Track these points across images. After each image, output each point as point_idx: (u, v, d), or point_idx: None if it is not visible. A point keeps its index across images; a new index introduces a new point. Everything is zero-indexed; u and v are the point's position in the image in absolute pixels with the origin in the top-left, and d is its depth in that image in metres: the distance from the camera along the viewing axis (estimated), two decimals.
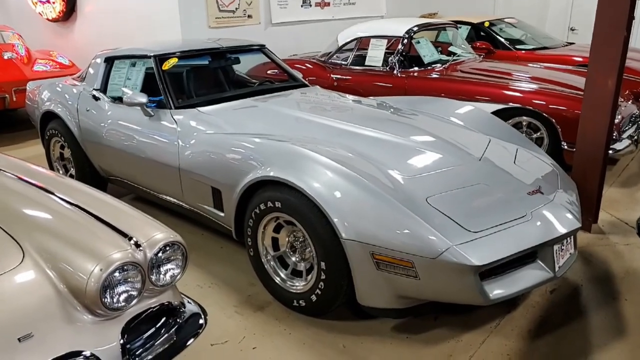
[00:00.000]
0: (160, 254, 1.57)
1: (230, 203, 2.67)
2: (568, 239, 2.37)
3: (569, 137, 3.98)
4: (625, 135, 4.21)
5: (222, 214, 2.82)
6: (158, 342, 1.59)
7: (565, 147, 4.02)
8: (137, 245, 1.53)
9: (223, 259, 3.02)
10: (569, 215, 2.32)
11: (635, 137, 4.26)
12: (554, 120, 4.04)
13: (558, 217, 2.28)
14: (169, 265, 1.60)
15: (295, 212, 2.32)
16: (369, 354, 2.19)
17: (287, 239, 2.53)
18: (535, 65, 5.29)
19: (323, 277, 2.27)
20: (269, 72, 5.30)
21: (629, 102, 4.57)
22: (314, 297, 2.34)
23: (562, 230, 2.23)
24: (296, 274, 2.52)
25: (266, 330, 2.37)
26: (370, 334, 2.32)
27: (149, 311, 1.62)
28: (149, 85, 3.38)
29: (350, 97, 3.67)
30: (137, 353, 1.50)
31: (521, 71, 4.84)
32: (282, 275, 2.53)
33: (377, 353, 2.19)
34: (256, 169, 2.50)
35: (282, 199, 2.35)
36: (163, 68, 3.28)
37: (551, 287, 2.63)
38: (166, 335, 1.63)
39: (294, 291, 2.45)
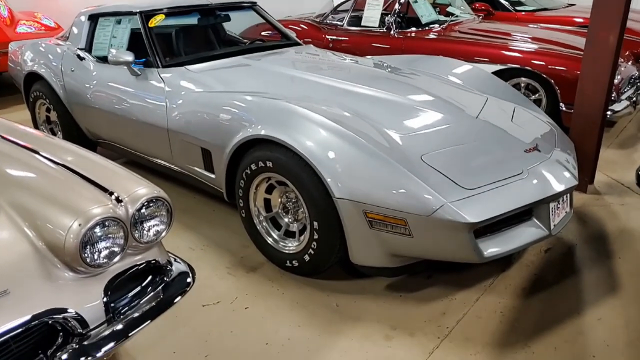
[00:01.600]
0: (143, 210, 1.51)
1: (220, 164, 2.61)
2: (564, 197, 2.33)
3: (568, 99, 3.90)
4: (624, 97, 4.13)
5: (212, 176, 2.76)
6: (144, 299, 1.56)
7: (564, 108, 3.94)
8: (119, 200, 1.47)
9: (215, 221, 2.98)
10: (566, 173, 2.27)
11: (634, 99, 4.18)
12: (552, 81, 3.96)
13: (555, 175, 2.23)
14: (152, 222, 1.55)
15: (287, 172, 2.26)
16: (362, 312, 2.18)
17: (279, 200, 2.48)
18: (535, 27, 5.16)
19: (316, 237, 2.23)
20: (262, 33, 5.16)
21: (629, 63, 4.47)
22: (307, 257, 2.31)
23: (559, 187, 2.18)
24: (289, 234, 2.48)
25: (259, 291, 2.35)
26: (364, 293, 2.30)
27: (134, 269, 1.58)
28: (136, 45, 3.26)
29: (347, 56, 3.57)
30: (122, 311, 1.47)
31: (520, 32, 4.72)
32: (275, 236, 2.49)
33: (371, 312, 2.18)
34: (247, 128, 2.43)
35: (274, 158, 2.29)
36: (150, 25, 3.16)
37: (546, 246, 2.61)
38: (152, 293, 1.59)
39: (287, 252, 2.42)
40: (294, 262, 2.38)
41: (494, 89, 3.06)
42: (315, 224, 2.21)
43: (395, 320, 2.12)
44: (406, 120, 2.44)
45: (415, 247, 2.07)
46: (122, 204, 1.48)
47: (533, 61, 4.05)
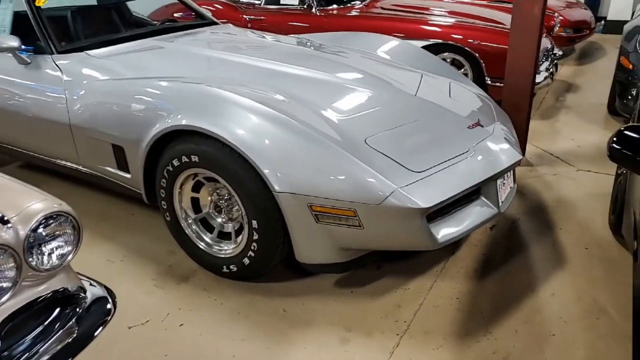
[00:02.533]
0: (40, 230, 1.19)
1: (136, 162, 2.27)
2: (508, 172, 2.27)
3: (493, 72, 3.93)
4: (542, 68, 4.24)
5: (128, 176, 2.41)
6: (52, 339, 1.24)
7: (489, 82, 3.96)
8: (4, 221, 1.14)
9: (136, 227, 2.64)
10: (510, 148, 2.20)
11: (551, 70, 4.31)
12: (477, 55, 3.96)
13: (500, 150, 2.15)
14: (54, 243, 1.24)
15: (216, 166, 1.99)
16: (312, 316, 1.98)
17: (209, 198, 2.20)
18: (451, 1, 5.17)
19: (255, 237, 1.99)
20: (175, 15, 4.74)
21: (543, 37, 4.61)
22: (246, 260, 2.07)
23: (506, 163, 2.10)
24: (223, 236, 2.22)
25: (193, 304, 2.07)
26: (312, 293, 2.10)
27: (36, 303, 1.26)
28: (25, 29, 2.78)
29: (269, 35, 3.31)
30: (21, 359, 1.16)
31: (440, 7, 4.69)
32: (207, 240, 2.21)
33: (322, 313, 1.99)
34: (164, 119, 2.11)
35: (199, 151, 2.01)
36: (37, 4, 2.69)
37: (490, 223, 2.56)
38: (63, 329, 1.28)
39: (223, 256, 2.16)
40: (231, 266, 2.13)
41: (426, 64, 2.95)
42: (254, 222, 1.97)
43: (350, 320, 1.95)
44: (343, 101, 2.25)
45: (367, 238, 1.90)
46: (10, 225, 1.15)
47: (456, 35, 4.02)
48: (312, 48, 3.01)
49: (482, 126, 2.27)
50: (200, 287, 2.16)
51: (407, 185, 1.83)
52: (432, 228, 1.92)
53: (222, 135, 1.92)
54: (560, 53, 4.70)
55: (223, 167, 1.97)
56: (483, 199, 2.12)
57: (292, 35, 3.49)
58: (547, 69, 4.23)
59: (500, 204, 2.14)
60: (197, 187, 2.19)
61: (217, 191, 2.17)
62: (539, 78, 4.02)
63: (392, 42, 3.20)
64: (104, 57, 2.62)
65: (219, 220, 2.21)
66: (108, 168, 2.50)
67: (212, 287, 2.16)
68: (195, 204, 2.23)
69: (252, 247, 2.02)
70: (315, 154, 1.86)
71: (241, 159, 1.91)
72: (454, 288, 2.11)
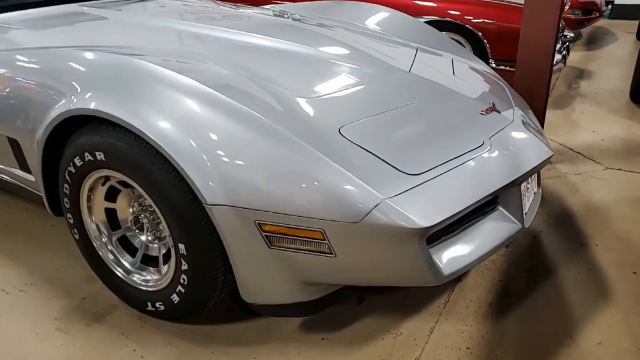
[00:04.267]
0: None
1: (34, 158, 1.69)
2: (534, 174, 1.71)
3: (499, 53, 3.37)
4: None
5: (30, 178, 1.82)
6: None
7: (494, 65, 3.41)
8: None
9: (53, 243, 2.04)
10: (537, 140, 1.64)
11: (564, 53, 3.76)
12: (480, 34, 3.40)
13: (525, 144, 1.59)
14: None
15: (127, 166, 1.41)
16: None
17: (130, 210, 1.62)
18: None
19: (184, 266, 1.42)
20: None
21: None
22: (175, 297, 1.49)
23: (534, 161, 1.54)
24: (151, 261, 1.64)
25: (103, 355, 1.49)
26: (268, 341, 1.53)
27: None
28: None
29: (238, 5, 2.72)
30: None
31: None
32: (126, 265, 1.63)
33: None
34: (65, 100, 1.52)
35: (105, 146, 1.42)
36: None
37: None
38: None
39: (147, 288, 1.57)
40: (157, 304, 1.55)
41: (424, 38, 2.38)
42: (182, 247, 1.39)
43: None
44: (317, 78, 1.67)
45: (341, 270, 1.33)
46: None
47: (454, 11, 3.46)
48: (288, 19, 2.43)
49: (499, 112, 1.70)
50: (116, 331, 1.58)
51: (398, 195, 1.26)
52: (434, 255, 1.35)
53: (133, 123, 1.34)
54: (572, 35, 4.15)
55: (137, 169, 1.39)
56: (502, 209, 1.55)
57: (267, 5, 2.91)
58: (559, 51, 3.68)
59: (525, 216, 1.58)
60: (112, 195, 1.60)
61: (139, 200, 1.59)
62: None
63: (383, 13, 2.63)
64: (3, 24, 2.02)
65: (143, 238, 1.62)
66: (8, 168, 1.91)
67: (132, 330, 1.58)
68: (112, 217, 1.64)
69: (182, 281, 1.45)
70: (267, 152, 1.29)
71: (160, 157, 1.34)
72: (463, 332, 1.55)
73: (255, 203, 1.27)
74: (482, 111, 1.66)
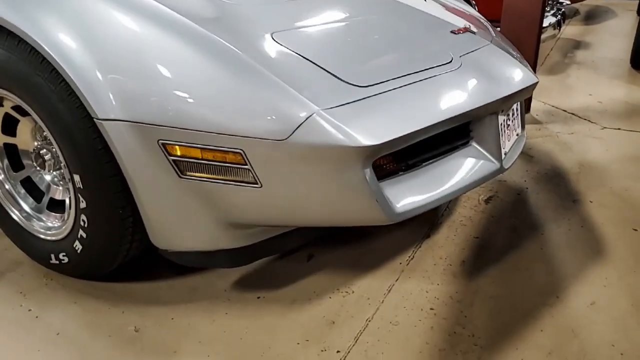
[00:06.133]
0: None
1: None
2: (515, 109, 1.45)
3: (481, 12, 3.10)
4: (549, 14, 3.43)
5: None
6: None
7: None
8: None
9: None
10: (520, 64, 1.38)
11: (558, 18, 3.50)
12: None
13: (505, 67, 1.33)
14: None
15: (11, 79, 1.15)
16: (183, 339, 1.15)
17: (34, 144, 1.36)
18: None
19: (82, 204, 1.16)
20: None
21: None
22: (77, 246, 1.23)
23: (512, 86, 1.28)
24: (59, 207, 1.38)
25: None
26: (192, 300, 1.27)
27: None
28: None
29: None
30: None
31: None
32: (26, 209, 1.37)
33: (199, 336, 1.16)
34: None
35: None
36: None
37: (486, 192, 1.75)
38: None
39: (49, 237, 1.31)
40: (61, 255, 1.29)
41: None
42: (77, 178, 1.13)
43: (245, 349, 1.13)
44: None
45: (269, 205, 1.07)
46: None
47: None
48: None
49: (474, 33, 1.44)
50: (14, 289, 1.31)
51: (338, 107, 1.00)
52: (387, 189, 1.09)
53: (12, 21, 1.08)
54: (568, 2, 3.90)
55: (21, 81, 1.13)
56: (476, 145, 1.29)
57: None
58: (553, 15, 3.43)
59: (504, 155, 1.32)
60: (8, 126, 1.34)
61: (44, 132, 1.33)
62: (545, 21, 3.21)
63: None
64: None
65: (47, 178, 1.36)
66: None
67: (32, 288, 1.32)
68: (13, 153, 1.38)
69: (82, 223, 1.19)
70: (175, 53, 1.03)
71: (47, 65, 1.08)
72: (428, 292, 1.29)
73: (157, 117, 1.01)
74: (455, 30, 1.40)
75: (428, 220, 1.58)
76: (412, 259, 1.41)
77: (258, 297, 1.27)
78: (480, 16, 1.90)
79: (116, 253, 1.21)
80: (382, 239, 1.49)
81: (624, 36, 4.23)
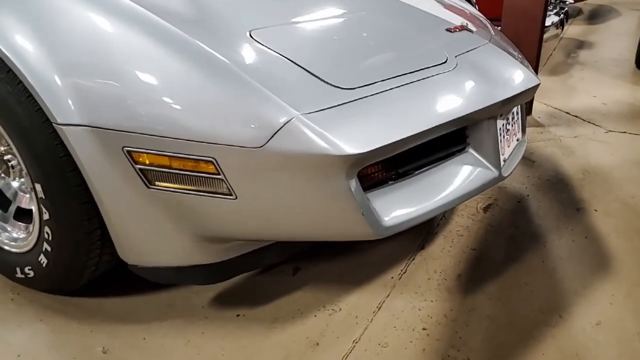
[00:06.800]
0: None
1: None
2: (515, 113, 1.36)
3: (481, 11, 3.01)
4: (551, 13, 3.34)
5: None
6: None
7: None
8: None
9: None
10: (520, 65, 1.29)
11: (562, 17, 3.40)
12: None
13: (504, 68, 1.24)
14: None
15: None
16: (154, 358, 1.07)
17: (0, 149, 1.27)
18: None
19: (46, 215, 1.07)
20: None
21: None
22: (42, 259, 1.14)
23: (515, 88, 1.19)
24: (26, 216, 1.29)
25: None
26: (167, 317, 1.18)
27: None
28: None
29: None
30: None
31: None
32: None
33: (174, 355, 1.08)
34: None
35: None
36: None
37: (484, 201, 1.65)
38: None
39: (14, 249, 1.22)
40: (27, 269, 1.20)
41: None
42: (39, 187, 1.05)
43: None
44: None
45: (245, 218, 0.98)
46: None
47: None
48: None
49: (471, 31, 1.35)
50: None
51: (319, 111, 0.91)
52: (374, 200, 1.00)
53: None
54: (571, 1, 3.80)
55: None
56: (473, 152, 1.20)
57: None
58: (557, 13, 3.33)
59: (503, 163, 1.23)
60: None
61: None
62: (547, 20, 3.12)
63: None
64: None
65: (15, 185, 1.28)
66: None
67: None
68: None
69: (46, 235, 1.10)
70: (142, 53, 0.94)
71: (3, 65, 0.99)
72: (420, 309, 1.20)
73: (121, 122, 0.92)
74: (450, 28, 1.31)
75: (423, 230, 1.49)
76: (404, 272, 1.32)
77: (237, 315, 1.19)
78: (479, 14, 1.81)
79: (83, 268, 1.12)
80: (375, 250, 1.40)
81: (628, 36, 4.13)
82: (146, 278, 1.11)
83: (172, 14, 1.00)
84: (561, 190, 1.72)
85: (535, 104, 2.48)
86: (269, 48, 1.00)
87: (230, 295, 1.25)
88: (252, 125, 0.88)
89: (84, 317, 1.18)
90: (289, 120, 0.88)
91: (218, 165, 0.91)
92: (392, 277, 1.30)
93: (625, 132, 2.19)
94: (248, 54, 0.98)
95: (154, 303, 1.23)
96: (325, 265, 1.35)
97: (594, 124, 2.29)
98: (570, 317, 1.17)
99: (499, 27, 2.28)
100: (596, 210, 1.59)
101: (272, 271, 1.32)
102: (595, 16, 5.19)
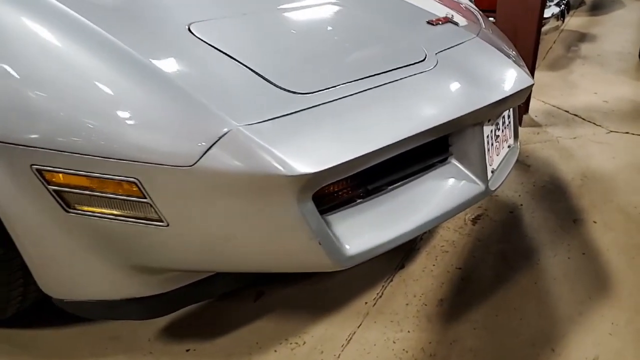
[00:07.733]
0: None
1: None
2: (506, 117, 1.21)
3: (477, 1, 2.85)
4: (552, 3, 3.17)
5: None
6: None
7: None
8: None
9: None
10: (512, 63, 1.14)
11: (562, 7, 3.23)
12: None
13: (493, 67, 1.09)
14: None
15: None
16: None
17: None
18: None
19: None
20: None
21: None
22: None
23: (505, 90, 1.04)
24: None
25: None
26: (109, 353, 1.04)
27: None
28: None
29: None
30: None
31: None
32: None
33: None
34: None
35: None
36: None
37: (472, 211, 1.51)
38: None
39: None
40: None
41: None
42: None
43: None
44: None
45: (181, 249, 0.84)
46: None
47: None
48: None
49: (456, 24, 1.20)
50: None
51: (266, 122, 0.76)
52: (336, 225, 0.85)
53: None
54: None
55: None
56: (455, 162, 1.05)
57: None
58: (558, 3, 3.16)
59: (490, 174, 1.08)
60: None
61: None
62: (547, 12, 2.95)
63: None
64: None
65: None
66: None
67: None
68: None
69: None
70: (48, 53, 0.79)
71: None
72: (395, 342, 1.05)
73: (27, 136, 0.77)
74: (432, 21, 1.15)
75: (405, 246, 1.34)
76: (380, 296, 1.18)
77: (187, 350, 1.04)
78: (470, 4, 1.65)
79: (7, 300, 0.98)
80: (349, 270, 1.25)
81: (633, 28, 3.96)
82: (74, 313, 0.97)
83: (93, 7, 0.84)
84: (558, 199, 1.57)
85: (532, 102, 2.33)
86: (210, 45, 0.84)
87: (180, 326, 1.10)
88: (181, 140, 0.73)
89: (15, 353, 1.04)
90: (226, 133, 0.73)
91: (142, 186, 0.76)
92: (365, 303, 1.16)
93: (627, 133, 2.04)
94: (183, 52, 0.82)
95: (95, 335, 1.08)
96: (293, 288, 1.21)
97: (594, 123, 2.14)
98: (564, 351, 1.03)
99: (493, 19, 2.12)
100: (595, 222, 1.44)
101: (232, 296, 1.18)
102: (598, 7, 5.01)
